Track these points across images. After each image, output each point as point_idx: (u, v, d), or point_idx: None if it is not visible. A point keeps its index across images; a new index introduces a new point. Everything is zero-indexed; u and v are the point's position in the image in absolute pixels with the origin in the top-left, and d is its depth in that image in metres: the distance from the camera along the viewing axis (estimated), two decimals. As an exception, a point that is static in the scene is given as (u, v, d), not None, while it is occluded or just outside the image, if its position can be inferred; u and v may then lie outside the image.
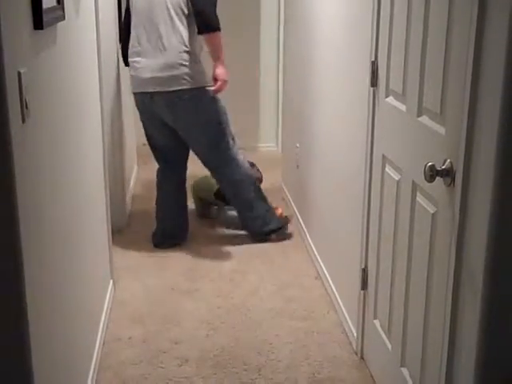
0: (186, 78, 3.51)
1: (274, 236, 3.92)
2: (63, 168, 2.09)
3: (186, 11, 3.50)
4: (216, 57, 3.60)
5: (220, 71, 3.59)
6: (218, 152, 3.73)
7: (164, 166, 3.87)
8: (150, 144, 3.88)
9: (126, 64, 3.74)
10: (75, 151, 2.34)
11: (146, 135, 3.85)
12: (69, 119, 2.23)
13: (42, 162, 1.76)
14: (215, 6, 3.51)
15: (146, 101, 3.63)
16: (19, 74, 1.48)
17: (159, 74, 3.52)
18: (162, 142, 3.79)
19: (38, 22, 1.67)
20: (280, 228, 3.94)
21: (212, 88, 3.58)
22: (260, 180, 4.12)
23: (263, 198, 3.90)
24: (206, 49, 3.62)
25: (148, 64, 3.55)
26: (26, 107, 1.53)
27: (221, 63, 3.61)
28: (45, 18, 1.69)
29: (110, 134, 3.80)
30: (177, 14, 3.50)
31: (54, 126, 1.96)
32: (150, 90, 3.56)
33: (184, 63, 3.51)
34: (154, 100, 3.59)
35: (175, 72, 3.50)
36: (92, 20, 2.90)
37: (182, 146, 3.78)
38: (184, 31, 3.51)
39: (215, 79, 3.59)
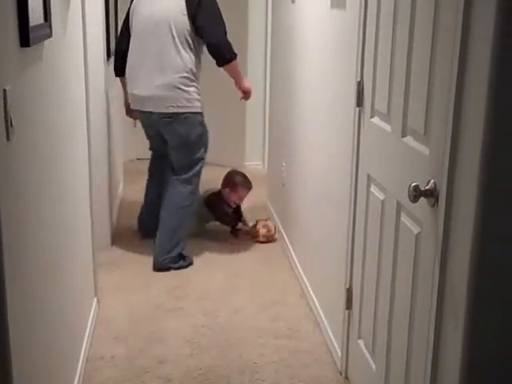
0: (182, 101, 3.62)
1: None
2: (48, 186, 2.08)
3: (190, 40, 3.60)
4: (237, 80, 3.89)
5: (246, 86, 3.94)
6: (188, 171, 3.79)
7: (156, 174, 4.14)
8: (152, 150, 4.15)
9: (117, 75, 3.96)
10: (60, 169, 2.33)
11: (149, 142, 4.10)
12: (54, 137, 2.22)
13: (27, 179, 1.76)
14: (226, 34, 3.62)
15: (144, 117, 3.82)
16: (4, 91, 1.48)
17: (157, 94, 3.62)
18: (161, 150, 3.96)
19: (25, 39, 1.67)
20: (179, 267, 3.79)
21: (242, 99, 4.04)
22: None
23: (184, 237, 3.82)
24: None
25: (147, 84, 3.66)
26: (11, 125, 1.52)
27: (242, 80, 3.91)
28: (31, 35, 1.69)
29: (97, 152, 3.79)
30: (180, 41, 3.58)
31: (39, 143, 1.95)
32: (147, 109, 3.71)
33: (181, 87, 3.60)
34: (152, 117, 3.73)
35: (172, 93, 3.60)
36: (79, 37, 2.91)
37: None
38: (186, 57, 3.59)
39: (244, 92, 3.97)
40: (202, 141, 3.78)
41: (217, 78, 4.59)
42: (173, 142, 3.75)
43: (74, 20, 2.70)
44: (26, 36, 1.66)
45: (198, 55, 3.67)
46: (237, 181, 4.28)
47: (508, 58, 1.42)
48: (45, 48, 2.01)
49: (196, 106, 3.67)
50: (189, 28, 3.58)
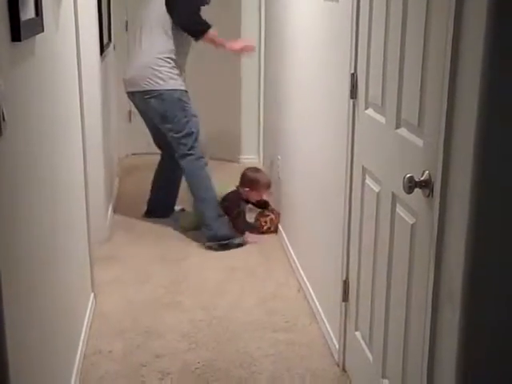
0: (154, 79, 3.94)
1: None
2: (42, 180, 2.08)
3: (167, 26, 3.92)
4: (222, 47, 4.08)
5: (234, 47, 4.10)
6: (183, 146, 4.01)
7: (164, 153, 4.35)
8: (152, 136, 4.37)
9: None
10: (55, 164, 2.33)
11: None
12: (48, 132, 2.21)
13: (20, 174, 1.75)
14: (194, 14, 3.92)
15: (131, 100, 4.20)
16: (-4, 86, 1.47)
17: (133, 74, 4.03)
18: (153, 132, 4.27)
19: (16, 34, 1.66)
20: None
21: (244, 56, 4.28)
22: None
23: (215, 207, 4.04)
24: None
25: (130, 66, 4.10)
26: (3, 119, 1.52)
27: (227, 44, 4.06)
28: (23, 30, 1.68)
29: (91, 146, 3.78)
30: (156, 28, 3.94)
31: (33, 138, 1.95)
32: (129, 89, 4.11)
33: (153, 67, 3.93)
34: (135, 98, 4.12)
35: (145, 73, 3.95)
36: (72, 32, 2.89)
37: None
38: (159, 41, 3.94)
39: (237, 51, 4.17)
40: (184, 115, 3.97)
41: (212, 72, 4.59)
42: (156, 119, 4.05)
43: (66, 15, 2.69)
44: (17, 31, 1.65)
45: (176, 40, 3.95)
46: (256, 180, 4.21)
47: (501, 47, 1.41)
48: (37, 43, 2.00)
49: (171, 84, 3.95)
50: (166, 16, 3.91)
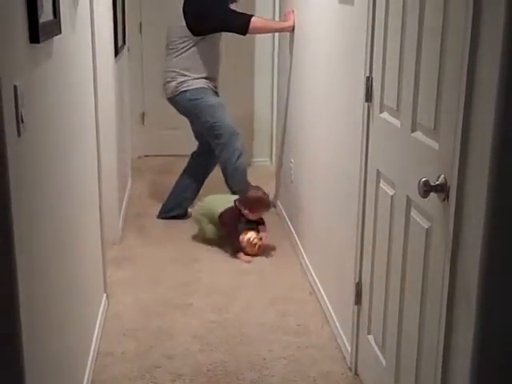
0: (171, 88, 4.28)
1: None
2: (58, 181, 2.09)
3: (179, 42, 4.17)
4: (275, 31, 4.46)
5: (286, 25, 4.08)
6: (212, 139, 4.31)
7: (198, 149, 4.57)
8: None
9: None
10: (70, 164, 2.34)
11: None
12: (64, 133, 2.23)
13: (38, 175, 1.76)
14: (223, 14, 4.09)
15: None
16: (15, 87, 1.48)
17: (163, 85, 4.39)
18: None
19: (35, 36, 1.67)
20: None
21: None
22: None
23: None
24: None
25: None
26: (22, 121, 1.53)
27: (279, 26, 4.24)
28: (41, 32, 1.70)
29: (105, 147, 3.80)
30: (170, 47, 4.23)
31: (50, 139, 1.96)
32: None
33: (169, 80, 4.27)
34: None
35: (166, 85, 4.32)
36: (88, 34, 2.91)
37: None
38: (172, 60, 4.23)
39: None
40: (200, 110, 4.22)
41: (225, 75, 4.60)
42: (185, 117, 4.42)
43: (82, 17, 2.70)
44: (35, 32, 1.67)
45: (198, 53, 4.18)
46: (258, 201, 3.97)
47: (519, 51, 1.41)
48: (54, 44, 2.02)
49: (179, 89, 4.24)
50: (178, 32, 4.17)
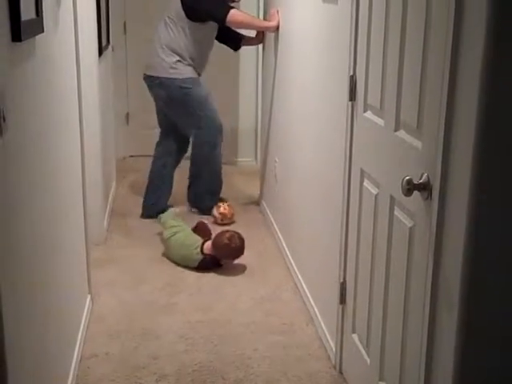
0: (157, 67, 4.29)
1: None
2: (41, 181, 2.08)
3: (184, 24, 4.20)
4: (255, 28, 4.42)
5: (270, 25, 4.10)
6: (192, 129, 4.44)
7: (162, 139, 4.59)
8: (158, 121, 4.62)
9: None
10: (53, 164, 2.32)
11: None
12: (47, 132, 2.21)
13: (20, 175, 1.75)
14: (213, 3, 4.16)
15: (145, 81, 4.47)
16: (-4, 86, 1.47)
17: (150, 60, 4.37)
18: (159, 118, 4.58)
19: (17, 34, 1.66)
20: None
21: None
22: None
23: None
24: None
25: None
26: (4, 120, 1.52)
27: (260, 24, 4.33)
28: (23, 30, 1.68)
29: (89, 148, 3.78)
30: (174, 24, 4.23)
31: (32, 139, 1.94)
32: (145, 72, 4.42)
33: (161, 56, 4.26)
34: (146, 80, 4.42)
35: (155, 60, 4.31)
36: (71, 33, 2.89)
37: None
38: (172, 36, 4.23)
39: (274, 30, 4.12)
40: (188, 101, 4.29)
41: (209, 74, 4.59)
42: (159, 105, 4.45)
43: (65, 16, 2.69)
44: (17, 31, 1.66)
45: (191, 37, 4.23)
46: (230, 253, 3.70)
47: (501, 50, 1.42)
48: (37, 43, 2.01)
49: (171, 73, 4.25)
50: (183, 15, 4.19)
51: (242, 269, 3.74)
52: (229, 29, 4.39)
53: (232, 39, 4.59)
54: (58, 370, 2.33)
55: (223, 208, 4.34)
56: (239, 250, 3.69)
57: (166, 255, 3.86)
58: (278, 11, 4.04)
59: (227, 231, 3.74)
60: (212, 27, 4.30)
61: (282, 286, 3.53)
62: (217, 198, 4.49)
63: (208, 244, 3.69)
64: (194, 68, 4.33)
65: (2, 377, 1.50)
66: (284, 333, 3.04)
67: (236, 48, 4.67)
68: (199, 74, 4.39)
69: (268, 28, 4.17)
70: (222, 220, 4.31)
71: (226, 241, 3.63)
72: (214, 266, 3.70)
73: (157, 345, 2.92)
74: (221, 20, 4.16)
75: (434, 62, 1.69)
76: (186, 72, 4.29)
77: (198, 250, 3.68)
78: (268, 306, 3.30)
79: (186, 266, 3.72)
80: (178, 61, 4.27)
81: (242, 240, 3.70)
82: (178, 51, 4.26)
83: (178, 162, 4.59)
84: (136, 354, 2.84)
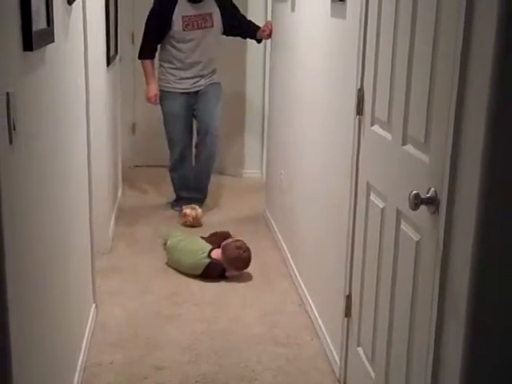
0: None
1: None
2: (49, 190, 2.08)
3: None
4: (146, 78, 4.78)
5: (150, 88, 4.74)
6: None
7: None
8: None
9: None
10: (61, 173, 2.33)
11: None
12: (56, 141, 2.22)
13: (28, 183, 1.76)
14: (145, 39, 4.71)
15: None
16: (8, 94, 1.48)
17: None
18: None
19: (28, 44, 1.67)
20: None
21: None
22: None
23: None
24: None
25: None
26: (14, 128, 1.53)
27: (148, 81, 4.73)
28: (34, 40, 1.70)
29: (96, 157, 3.79)
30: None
31: (42, 147, 1.96)
32: None
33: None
34: None
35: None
36: (81, 43, 2.91)
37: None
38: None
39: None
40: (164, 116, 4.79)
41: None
42: None
43: (75, 26, 2.71)
44: (29, 40, 1.67)
45: (166, 51, 4.72)
46: (237, 262, 3.72)
47: (510, 65, 1.42)
48: (47, 53, 2.02)
49: (160, 85, 4.74)
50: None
51: (246, 280, 3.74)
52: (240, 22, 4.76)
53: (249, 31, 4.81)
54: (62, 378, 2.32)
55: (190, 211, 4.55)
56: (247, 261, 3.72)
57: (170, 264, 3.87)
58: (271, 24, 4.54)
59: (237, 240, 3.77)
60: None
61: (287, 298, 3.53)
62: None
63: (217, 251, 3.72)
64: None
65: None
66: (288, 345, 3.03)
67: (256, 37, 4.80)
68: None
69: (148, 86, 4.74)
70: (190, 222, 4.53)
71: (236, 248, 3.67)
72: (219, 274, 3.70)
73: (161, 355, 2.91)
74: (138, 55, 4.75)
75: (443, 76, 1.70)
76: (164, 84, 4.79)
77: (206, 254, 3.70)
78: (272, 318, 3.30)
79: (190, 275, 3.72)
80: (163, 70, 4.78)
81: (249, 252, 3.72)
82: (162, 64, 4.79)
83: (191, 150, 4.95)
84: (140, 363, 2.84)
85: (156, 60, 4.74)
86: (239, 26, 4.79)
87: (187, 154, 4.83)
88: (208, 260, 3.69)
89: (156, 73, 4.74)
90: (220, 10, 4.70)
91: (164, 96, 4.70)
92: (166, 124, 4.77)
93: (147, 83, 4.74)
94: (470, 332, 1.55)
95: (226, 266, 3.69)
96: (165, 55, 4.70)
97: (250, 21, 4.85)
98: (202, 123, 4.73)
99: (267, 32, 4.58)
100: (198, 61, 4.69)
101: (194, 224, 4.50)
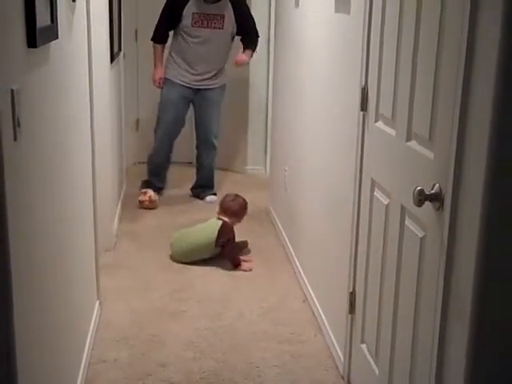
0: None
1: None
2: (53, 186, 2.09)
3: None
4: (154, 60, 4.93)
5: (156, 72, 4.90)
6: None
7: None
8: None
9: None
10: (65, 169, 2.33)
11: None
12: (60, 138, 2.22)
13: (33, 180, 1.76)
14: (157, 23, 4.86)
15: None
16: (12, 91, 1.48)
17: None
18: None
19: (32, 40, 1.67)
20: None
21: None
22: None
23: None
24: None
25: None
26: (18, 125, 1.53)
27: (155, 64, 4.88)
28: (38, 37, 1.70)
29: (100, 153, 3.79)
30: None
31: (46, 143, 1.96)
32: None
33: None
34: None
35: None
36: (84, 40, 2.91)
37: None
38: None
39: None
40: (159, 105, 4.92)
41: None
42: None
43: (79, 22, 2.71)
44: (32, 37, 1.67)
45: (175, 41, 4.86)
46: (239, 208, 4.03)
47: (515, 61, 1.42)
48: (51, 49, 2.02)
49: (165, 72, 4.86)
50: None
51: (250, 277, 3.74)
52: (243, 32, 4.89)
53: (243, 43, 4.99)
54: (66, 374, 2.33)
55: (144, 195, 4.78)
56: (243, 204, 4.06)
57: (174, 255, 3.92)
58: (241, 62, 4.90)
59: (227, 195, 4.12)
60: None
61: (291, 294, 3.53)
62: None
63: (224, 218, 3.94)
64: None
65: (13, 381, 1.50)
66: (292, 342, 3.03)
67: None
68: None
69: (155, 70, 4.90)
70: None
71: (229, 199, 4.03)
72: (233, 236, 3.87)
73: (165, 352, 2.91)
74: (151, 37, 4.90)
75: (447, 72, 1.69)
76: (169, 72, 4.92)
77: (216, 219, 3.94)
78: (276, 314, 3.30)
79: (198, 263, 3.82)
80: (170, 62, 4.91)
81: (241, 198, 4.09)
82: (171, 54, 4.91)
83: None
84: (144, 360, 2.84)
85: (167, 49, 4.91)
86: (241, 36, 4.92)
87: (169, 143, 4.94)
88: (220, 221, 3.90)
89: (164, 60, 4.88)
90: (234, 14, 4.75)
91: (165, 83, 4.85)
92: (159, 109, 4.90)
93: (154, 66, 4.88)
94: (475, 329, 1.55)
95: (233, 219, 3.94)
96: (175, 45, 4.82)
97: (250, 39, 4.93)
98: (201, 131, 4.96)
99: (236, 62, 4.85)
100: (203, 59, 4.71)
101: (150, 206, 4.78)
